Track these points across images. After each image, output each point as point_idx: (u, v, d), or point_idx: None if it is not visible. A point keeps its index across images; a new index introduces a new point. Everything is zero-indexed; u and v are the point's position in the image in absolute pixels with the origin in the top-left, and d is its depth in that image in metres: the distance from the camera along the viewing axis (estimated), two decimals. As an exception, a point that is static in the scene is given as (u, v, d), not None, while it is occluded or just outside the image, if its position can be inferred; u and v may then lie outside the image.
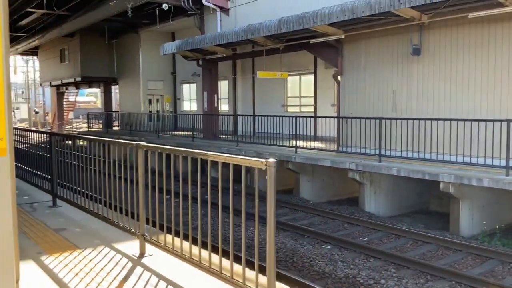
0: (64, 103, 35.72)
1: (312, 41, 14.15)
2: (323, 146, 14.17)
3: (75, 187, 6.30)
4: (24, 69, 48.66)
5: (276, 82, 18.97)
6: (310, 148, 14.07)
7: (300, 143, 14.31)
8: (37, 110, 45.53)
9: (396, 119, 11.62)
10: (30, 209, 6.88)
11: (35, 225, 5.97)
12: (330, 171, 13.34)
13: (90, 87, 32.37)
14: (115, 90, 31.77)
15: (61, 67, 28.95)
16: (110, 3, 18.46)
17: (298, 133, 14.29)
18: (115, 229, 5.29)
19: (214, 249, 3.94)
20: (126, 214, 5.04)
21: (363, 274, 7.59)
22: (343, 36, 13.43)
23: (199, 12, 20.08)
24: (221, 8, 19.00)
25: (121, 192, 5.10)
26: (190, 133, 18.85)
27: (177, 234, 4.22)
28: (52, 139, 6.78)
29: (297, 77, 19.13)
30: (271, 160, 3.17)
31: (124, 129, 24.82)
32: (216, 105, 19.68)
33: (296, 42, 14.89)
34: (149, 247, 4.76)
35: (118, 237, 5.24)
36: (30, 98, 49.95)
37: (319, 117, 15.82)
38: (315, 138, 16.74)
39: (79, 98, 51.11)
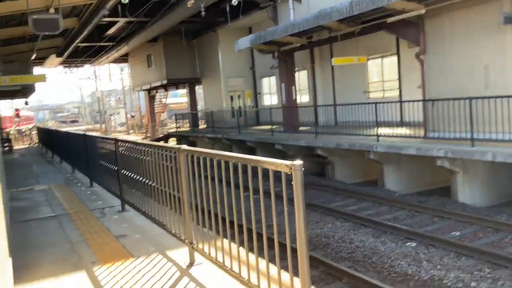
0: (156, 105, 37.49)
1: (389, 19, 13.11)
2: (409, 132, 13.12)
3: (137, 192, 6.28)
4: (120, 76, 51.87)
5: (356, 68, 18.01)
6: (393, 136, 13.09)
7: (385, 130, 13.40)
8: (133, 114, 48.48)
9: (489, 97, 10.29)
10: (100, 215, 7.04)
11: (99, 231, 6.05)
12: (418, 159, 12.27)
13: (177, 88, 33.60)
14: (199, 89, 32.60)
15: (149, 72, 30.34)
16: (187, 4, 18.75)
17: (381, 120, 13.40)
18: (171, 235, 5.14)
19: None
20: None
21: (451, 276, 6.74)
22: (423, 11, 12.24)
23: (272, 3, 19.71)
24: (293, -3, 18.44)
25: (171, 196, 4.90)
26: (273, 126, 18.61)
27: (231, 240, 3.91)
28: (116, 144, 6.84)
29: (379, 60, 17.98)
30: (297, 163, 2.71)
31: (209, 127, 25.34)
32: (294, 97, 19.22)
33: (372, 23, 13.91)
34: (199, 255, 4.52)
35: (173, 244, 5.08)
36: (126, 103, 53.35)
37: (400, 101, 14.71)
38: (402, 124, 15.64)
39: (172, 100, 53.61)
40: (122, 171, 6.79)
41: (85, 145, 9.30)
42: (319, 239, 9.02)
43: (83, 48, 25.75)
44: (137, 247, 5.22)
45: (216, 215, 3.94)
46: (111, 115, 59.25)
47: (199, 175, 4.14)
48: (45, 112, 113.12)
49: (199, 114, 29.39)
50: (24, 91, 24.57)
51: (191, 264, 4.52)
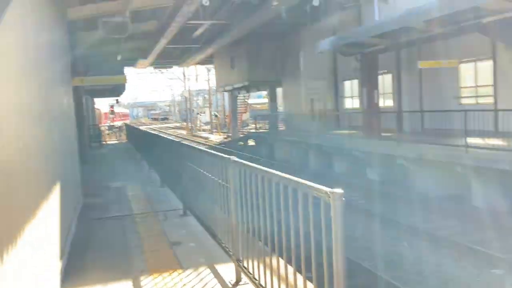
0: (238, 105, 38.07)
1: (485, 20, 11.91)
2: (504, 144, 11.83)
3: (195, 197, 6.17)
4: (207, 76, 53.38)
5: (446, 71, 16.68)
6: (485, 148, 11.86)
7: (476, 140, 12.22)
8: (216, 113, 49.69)
9: None
10: (163, 217, 7.05)
11: (157, 236, 6.02)
12: (512, 175, 10.98)
13: (258, 90, 33.81)
14: (280, 91, 32.48)
15: (232, 73, 30.83)
16: (270, 5, 18.67)
17: (474, 129, 12.24)
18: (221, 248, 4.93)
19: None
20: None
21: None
22: (525, 10, 10.95)
23: (356, 3, 18.96)
24: (379, -4, 17.58)
25: (222, 207, 4.68)
26: (353, 131, 17.90)
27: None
28: (176, 145, 6.80)
29: (472, 64, 16.50)
30: (337, 191, 2.32)
31: (288, 130, 25.10)
32: (376, 101, 18.30)
33: (465, 24, 12.74)
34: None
35: (223, 258, 4.85)
36: (212, 102, 54.83)
37: (495, 110, 13.31)
38: (497, 134, 14.20)
39: (256, 100, 54.22)
40: (184, 174, 6.73)
41: (157, 144, 9.48)
42: (391, 258, 8.35)
43: (170, 50, 26.74)
44: (188, 258, 5.08)
45: (263, 233, 3.64)
46: (198, 114, 61.21)
47: (248, 189, 3.86)
48: (139, 109, 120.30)
49: (279, 116, 29.26)
50: (116, 90, 26.11)
51: (237, 282, 4.26)
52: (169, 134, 48.70)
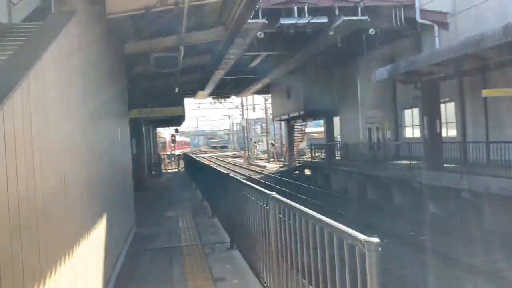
0: (295, 134, 37.97)
1: (556, 45, 11.13)
2: None
3: (240, 230, 6.04)
4: (264, 106, 53.92)
5: (514, 99, 15.69)
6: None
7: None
8: (273, 142, 49.79)
9: None
10: (209, 251, 6.97)
11: (202, 271, 5.93)
12: None
13: (314, 119, 33.59)
14: (337, 120, 32.04)
15: (288, 102, 30.90)
16: (326, 35, 18.69)
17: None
18: None
19: None
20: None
21: None
22: None
23: (415, 31, 18.47)
24: (438, 23, 17.01)
25: (263, 243, 4.52)
26: (413, 162, 17.14)
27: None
28: (222, 176, 6.76)
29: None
30: (373, 240, 2.12)
31: (344, 159, 24.55)
32: (438, 131, 17.48)
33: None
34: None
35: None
36: (270, 131, 55.10)
37: None
38: None
39: (314, 129, 53.91)
40: (230, 206, 6.66)
41: (208, 174, 9.53)
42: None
43: (227, 81, 27.34)
44: (229, 296, 4.94)
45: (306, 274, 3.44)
46: (255, 142, 61.67)
47: (287, 227, 3.70)
48: (199, 138, 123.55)
49: (335, 145, 28.77)
50: (176, 120, 26.93)
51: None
52: (226, 162, 49.36)
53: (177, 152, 45.10)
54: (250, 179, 28.47)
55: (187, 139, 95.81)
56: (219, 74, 19.38)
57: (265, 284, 4.53)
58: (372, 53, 20.93)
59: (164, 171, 30.10)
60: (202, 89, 23.56)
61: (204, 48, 10.33)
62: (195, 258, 6.63)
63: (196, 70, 14.88)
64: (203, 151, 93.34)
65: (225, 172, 7.22)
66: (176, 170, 29.95)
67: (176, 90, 15.15)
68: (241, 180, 5.70)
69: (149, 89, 14.56)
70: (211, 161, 52.86)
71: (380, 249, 2.11)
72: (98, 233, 4.76)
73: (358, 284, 2.25)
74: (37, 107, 2.77)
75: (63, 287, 3.23)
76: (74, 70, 4.05)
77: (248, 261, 5.43)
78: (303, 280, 3.33)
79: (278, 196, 3.89)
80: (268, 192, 4.15)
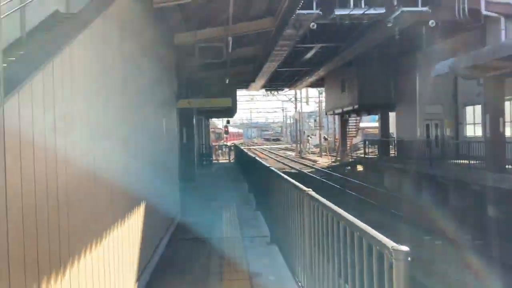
0: (350, 129, 37.13)
1: None
2: None
3: (279, 225, 5.88)
4: (318, 99, 53.21)
5: None
6: None
7: None
8: (326, 136, 49.06)
9: None
10: (249, 244, 6.87)
11: (239, 264, 5.84)
12: None
13: (369, 114, 32.63)
14: (393, 116, 30.95)
15: (342, 96, 30.19)
16: (385, 25, 18.00)
17: None
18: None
19: None
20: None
21: None
22: None
23: (479, 24, 17.34)
24: (505, 15, 15.85)
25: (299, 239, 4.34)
26: (473, 162, 16.19)
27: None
28: (265, 169, 6.62)
29: None
30: (401, 248, 1.90)
31: (399, 157, 23.68)
32: (502, 130, 16.38)
33: None
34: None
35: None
36: (323, 125, 54.32)
37: None
38: None
39: (369, 124, 52.62)
40: (271, 200, 6.52)
41: (254, 167, 9.44)
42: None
43: (281, 73, 27.11)
44: (263, 292, 4.81)
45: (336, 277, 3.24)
46: (308, 136, 61.10)
47: (320, 227, 3.50)
48: (253, 130, 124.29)
49: (390, 141, 27.82)
50: (227, 111, 27.10)
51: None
52: (277, 155, 49.26)
53: (229, 143, 45.49)
54: (300, 173, 28.19)
55: (241, 131, 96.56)
56: (271, 66, 19.19)
57: (300, 284, 4.36)
58: (432, 47, 19.89)
59: (216, 161, 30.45)
60: (253, 80, 23.49)
61: (254, 40, 10.19)
62: (234, 250, 6.55)
63: (247, 62, 14.80)
64: (256, 143, 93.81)
65: (267, 165, 7.07)
66: (226, 161, 30.20)
67: (227, 81, 15.14)
68: (280, 173, 5.53)
69: (200, 80, 14.67)
70: (262, 153, 53.01)
71: (409, 258, 1.89)
72: (134, 222, 4.78)
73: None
74: (63, 93, 2.75)
75: (92, 274, 3.23)
76: (112, 56, 4.04)
77: (285, 258, 5.28)
78: (339, 280, 3.12)
79: (312, 193, 3.70)
80: (304, 188, 3.96)
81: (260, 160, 9.13)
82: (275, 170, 6.01)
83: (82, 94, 3.14)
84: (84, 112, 3.17)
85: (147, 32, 6.00)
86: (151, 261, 5.67)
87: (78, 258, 2.95)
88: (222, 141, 47.15)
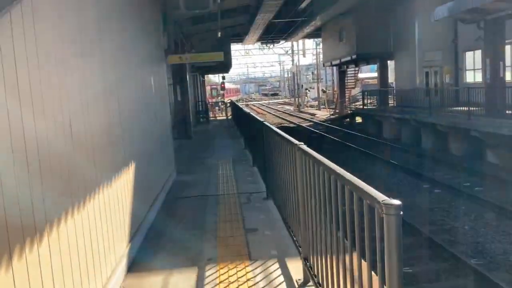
0: (347, 81, 36.59)
1: None
2: None
3: (273, 180, 5.76)
4: (315, 51, 52.26)
5: None
6: None
7: None
8: (324, 89, 48.54)
9: None
10: (245, 200, 6.79)
11: (235, 221, 5.77)
12: None
13: (367, 63, 32.03)
14: (391, 65, 30.40)
15: (339, 46, 29.52)
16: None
17: None
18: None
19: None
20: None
21: None
22: None
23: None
24: (508, -48, 15.12)
25: (291, 196, 4.21)
26: (473, 109, 15.95)
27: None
28: (259, 124, 6.43)
29: None
30: (393, 202, 1.73)
31: (398, 106, 23.43)
32: (502, 75, 16.08)
33: None
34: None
35: (294, 252, 4.40)
36: (322, 78, 53.64)
37: None
38: None
39: (368, 75, 51.94)
40: (266, 155, 6.36)
41: (249, 122, 9.25)
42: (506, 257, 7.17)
43: (276, 24, 26.36)
44: (259, 248, 4.74)
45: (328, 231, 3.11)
46: (306, 89, 60.47)
47: (312, 181, 3.34)
48: (250, 85, 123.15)
49: (389, 91, 27.44)
50: (223, 66, 26.60)
51: (304, 283, 3.80)
52: (276, 110, 48.94)
53: (226, 100, 45.08)
54: (298, 127, 28.02)
55: (238, 87, 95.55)
56: (265, 18, 18.57)
57: (294, 238, 4.27)
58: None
59: (213, 118, 30.23)
60: (247, 33, 22.84)
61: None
62: (229, 207, 6.47)
63: (239, 13, 14.25)
64: (253, 99, 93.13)
65: (261, 119, 6.86)
66: (224, 118, 29.99)
67: (219, 34, 14.65)
68: (272, 127, 5.34)
69: (192, 35, 14.19)
70: (260, 108, 52.67)
71: (401, 212, 1.72)
72: (125, 182, 4.64)
73: (377, 249, 1.90)
74: (31, 49, 2.50)
75: (82, 229, 3.11)
76: (86, 10, 3.75)
77: (281, 213, 5.18)
78: (332, 230, 2.98)
79: (304, 147, 3.52)
80: (296, 142, 3.77)
81: (253, 115, 8.90)
82: (268, 124, 5.81)
83: (53, 55, 2.89)
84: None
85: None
86: (147, 218, 5.59)
87: (65, 219, 2.82)
88: (219, 97, 46.66)
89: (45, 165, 2.62)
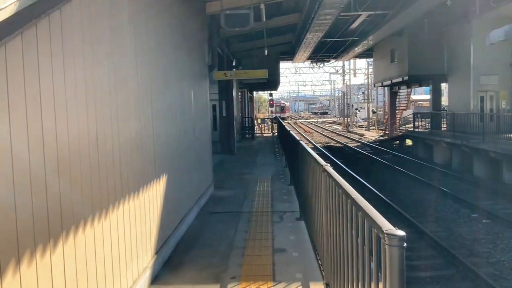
0: (398, 102, 35.74)
1: None
2: None
3: (306, 201, 5.66)
4: (366, 71, 51.55)
5: None
6: None
7: None
8: (375, 110, 47.63)
9: None
10: (278, 219, 6.71)
11: (264, 240, 5.70)
12: None
13: (420, 85, 31.14)
14: (445, 87, 29.41)
15: (391, 67, 28.95)
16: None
17: None
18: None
19: None
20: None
21: None
22: None
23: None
24: None
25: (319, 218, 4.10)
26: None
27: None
28: (295, 142, 6.36)
29: None
30: (397, 233, 1.63)
31: (450, 130, 22.54)
32: None
33: None
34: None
35: (319, 276, 4.28)
36: (373, 98, 52.69)
37: None
38: None
39: (422, 96, 50.56)
40: (301, 175, 6.27)
41: (289, 141, 9.20)
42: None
43: (326, 44, 26.27)
44: (285, 270, 4.64)
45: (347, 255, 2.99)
46: (356, 109, 59.62)
47: (334, 204, 3.24)
48: (300, 103, 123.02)
49: (442, 114, 26.49)
50: (270, 84, 26.75)
51: (325, 309, 3.67)
52: (323, 129, 48.47)
53: (272, 116, 45.16)
54: (344, 147, 27.57)
55: (287, 103, 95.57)
56: (314, 37, 18.53)
57: (319, 262, 4.15)
58: (488, 13, 18.49)
59: (259, 134, 30.32)
60: (296, 52, 22.87)
61: (292, 8, 9.73)
62: (261, 225, 6.41)
63: (287, 31, 14.30)
64: (302, 117, 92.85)
65: (297, 138, 6.79)
66: (269, 134, 30.01)
67: (266, 52, 14.76)
68: (305, 146, 5.26)
69: (238, 52, 14.37)
70: (308, 127, 52.35)
71: (405, 244, 1.62)
72: (155, 194, 4.70)
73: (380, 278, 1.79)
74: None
75: (109, 233, 3.17)
76: (129, 27, 3.88)
77: (310, 234, 5.07)
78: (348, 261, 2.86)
79: (328, 169, 3.43)
80: (322, 162, 3.69)
81: (292, 133, 8.84)
82: (302, 143, 5.74)
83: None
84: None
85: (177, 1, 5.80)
86: (179, 229, 5.64)
87: (98, 221, 2.89)
88: (268, 114, 46.86)
89: (75, 173, 2.74)
